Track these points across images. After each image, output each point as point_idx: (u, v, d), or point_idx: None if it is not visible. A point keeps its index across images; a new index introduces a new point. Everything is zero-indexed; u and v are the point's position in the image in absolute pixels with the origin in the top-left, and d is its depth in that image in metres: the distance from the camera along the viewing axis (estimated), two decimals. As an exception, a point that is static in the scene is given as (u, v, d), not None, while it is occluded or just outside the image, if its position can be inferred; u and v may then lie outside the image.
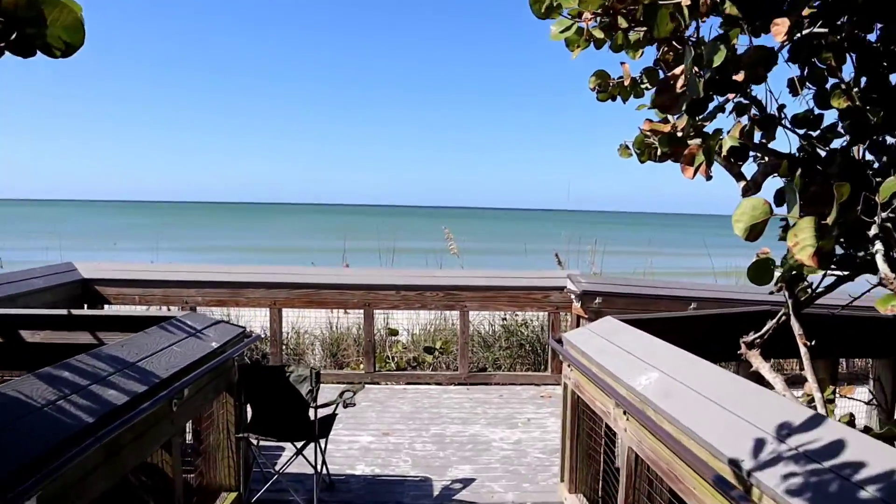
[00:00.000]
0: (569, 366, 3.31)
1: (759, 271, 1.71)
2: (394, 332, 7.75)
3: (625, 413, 2.48)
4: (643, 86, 2.84)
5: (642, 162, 3.00)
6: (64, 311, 3.30)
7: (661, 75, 2.73)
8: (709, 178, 2.10)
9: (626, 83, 2.82)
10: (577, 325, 6.73)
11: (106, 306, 6.75)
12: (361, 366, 6.91)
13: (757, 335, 3.26)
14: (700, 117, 2.14)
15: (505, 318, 7.82)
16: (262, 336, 7.37)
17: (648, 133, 2.84)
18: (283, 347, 7.41)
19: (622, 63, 2.85)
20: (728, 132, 2.29)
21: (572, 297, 6.60)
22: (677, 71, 1.98)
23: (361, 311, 6.77)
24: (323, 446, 3.94)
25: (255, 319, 7.57)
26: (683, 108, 1.93)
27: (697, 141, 2.17)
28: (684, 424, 2.10)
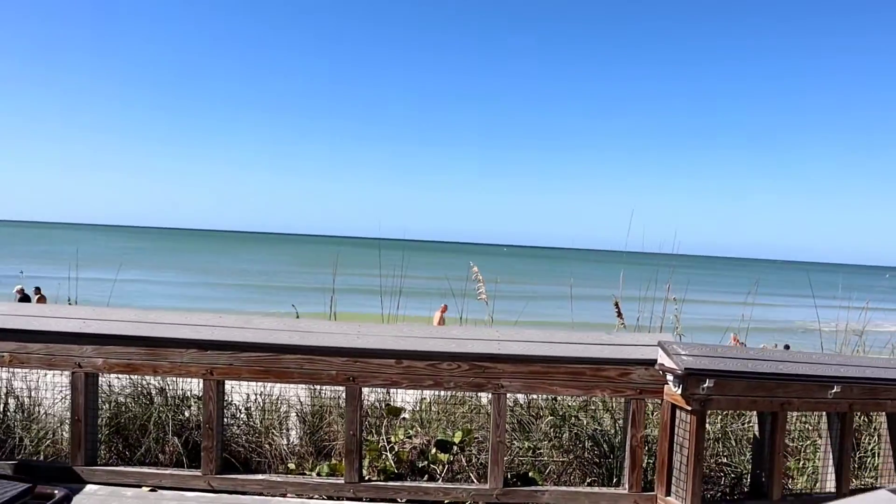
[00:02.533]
0: None
1: None
2: (395, 412, 6.07)
3: None
4: None
5: None
6: None
7: None
8: None
9: None
10: (672, 420, 5.04)
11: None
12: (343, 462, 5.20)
13: None
14: None
15: (555, 398, 6.14)
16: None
17: None
18: (248, 420, 5.80)
19: None
20: None
21: (669, 377, 4.92)
22: None
23: (342, 387, 5.11)
24: None
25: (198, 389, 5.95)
26: None
27: None
28: None
